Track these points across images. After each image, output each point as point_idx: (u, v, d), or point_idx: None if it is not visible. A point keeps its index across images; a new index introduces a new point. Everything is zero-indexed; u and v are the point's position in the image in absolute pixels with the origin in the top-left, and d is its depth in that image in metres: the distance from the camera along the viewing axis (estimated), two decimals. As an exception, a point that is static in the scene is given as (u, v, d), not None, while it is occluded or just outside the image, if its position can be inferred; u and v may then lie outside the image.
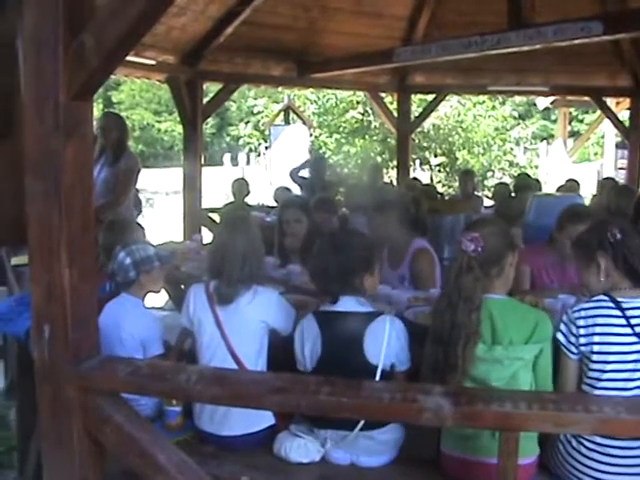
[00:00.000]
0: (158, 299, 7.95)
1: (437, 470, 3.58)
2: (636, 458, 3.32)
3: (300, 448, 3.64)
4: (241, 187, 9.78)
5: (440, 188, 20.62)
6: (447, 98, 15.49)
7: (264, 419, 3.88)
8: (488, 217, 6.94)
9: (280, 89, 17.63)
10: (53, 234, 2.83)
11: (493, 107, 22.88)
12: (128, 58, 7.82)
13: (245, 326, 3.97)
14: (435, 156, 21.71)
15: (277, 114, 20.75)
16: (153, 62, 8.87)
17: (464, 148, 21.80)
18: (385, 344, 3.65)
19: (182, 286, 5.95)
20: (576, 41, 7.06)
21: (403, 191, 8.63)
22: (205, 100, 10.58)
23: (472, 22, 9.46)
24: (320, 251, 3.95)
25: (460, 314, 3.33)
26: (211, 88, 10.94)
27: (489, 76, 11.46)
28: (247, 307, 3.97)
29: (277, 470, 3.61)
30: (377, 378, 3.60)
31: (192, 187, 10.22)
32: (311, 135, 20.81)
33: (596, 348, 3.43)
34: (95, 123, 7.22)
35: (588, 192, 10.69)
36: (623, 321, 3.43)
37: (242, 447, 3.82)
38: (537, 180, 10.76)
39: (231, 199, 10.17)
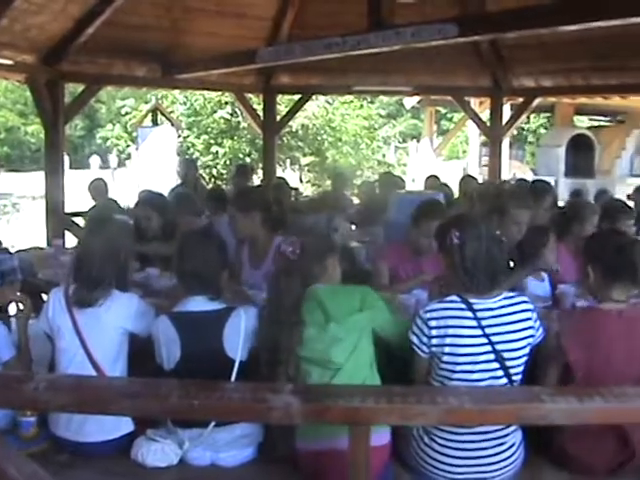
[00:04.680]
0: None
1: (293, 467, 3.64)
2: (480, 442, 3.46)
3: (157, 452, 3.61)
4: (98, 188, 9.10)
5: (310, 188, 20.82)
6: (314, 98, 15.58)
7: (123, 425, 3.84)
8: (311, 224, 6.93)
9: (146, 89, 17.38)
10: None
11: (361, 106, 23.22)
12: (-17, 58, 7.66)
13: (103, 331, 3.92)
14: (304, 156, 21.87)
15: (145, 115, 20.39)
16: (11, 62, 8.59)
17: (333, 147, 22.03)
18: (242, 336, 3.73)
19: (42, 294, 5.78)
20: (433, 42, 7.21)
21: (265, 190, 8.60)
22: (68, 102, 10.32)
23: (335, 23, 9.51)
24: (181, 253, 4.00)
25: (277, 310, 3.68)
26: (78, 89, 10.67)
27: (354, 76, 11.60)
28: (105, 312, 3.93)
29: (134, 476, 3.58)
30: (235, 371, 3.67)
31: (55, 191, 9.90)
32: (179, 136, 20.62)
33: (447, 349, 3.52)
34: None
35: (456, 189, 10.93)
36: (474, 322, 3.52)
37: (100, 454, 3.77)
38: (401, 178, 10.92)
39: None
